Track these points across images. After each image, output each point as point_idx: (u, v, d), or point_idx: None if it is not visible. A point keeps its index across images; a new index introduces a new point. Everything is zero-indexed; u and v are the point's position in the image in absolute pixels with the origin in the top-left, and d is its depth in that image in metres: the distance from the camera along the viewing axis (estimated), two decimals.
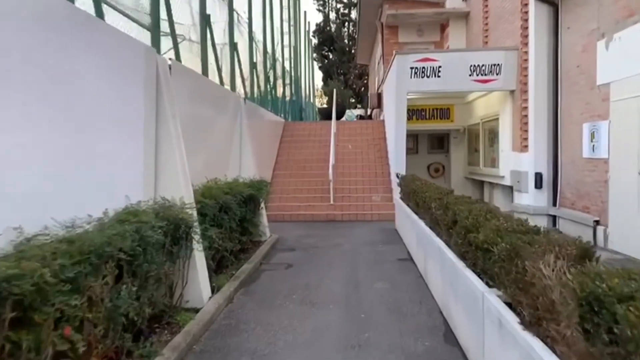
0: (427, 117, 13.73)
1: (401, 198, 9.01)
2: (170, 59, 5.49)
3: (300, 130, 13.97)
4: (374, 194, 11.01)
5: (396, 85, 10.27)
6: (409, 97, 10.50)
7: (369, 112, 19.14)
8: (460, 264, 3.74)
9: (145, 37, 5.08)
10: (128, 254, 3.09)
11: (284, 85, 15.82)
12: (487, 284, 3.19)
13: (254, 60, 10.86)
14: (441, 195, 5.39)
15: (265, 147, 11.41)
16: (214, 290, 4.89)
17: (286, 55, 17.16)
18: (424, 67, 10.01)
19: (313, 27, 33.83)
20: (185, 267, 4.33)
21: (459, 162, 14.11)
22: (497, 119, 10.80)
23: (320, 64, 34.98)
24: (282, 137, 13.39)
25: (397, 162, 10.63)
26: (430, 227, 5.52)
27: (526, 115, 9.42)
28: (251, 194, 6.49)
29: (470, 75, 9.96)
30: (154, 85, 4.50)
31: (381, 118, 15.05)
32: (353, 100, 34.05)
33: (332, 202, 10.71)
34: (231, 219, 5.78)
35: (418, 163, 14.06)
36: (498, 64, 9.87)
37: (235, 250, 6.13)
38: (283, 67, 15.70)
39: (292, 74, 18.43)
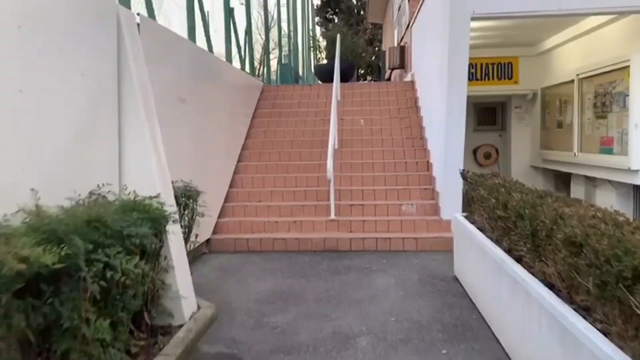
0: (478, 76, 9.18)
1: (467, 217, 4.55)
2: None
3: (287, 97, 9.35)
4: (405, 202, 6.51)
5: (450, 4, 5.60)
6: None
7: (386, 75, 14.31)
8: None
9: None
10: None
11: (267, 36, 11.17)
12: None
13: None
14: None
15: (220, 123, 6.86)
16: None
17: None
18: None
19: None
20: None
21: (524, 144, 9.53)
22: (623, 69, 6.16)
23: (323, 29, 29.93)
24: (257, 107, 8.80)
25: (449, 147, 6.02)
26: None
27: None
28: (60, 267, 1.99)
29: None
30: None
31: (407, 79, 10.39)
32: (362, 72, 29.21)
33: (333, 215, 6.23)
34: None
35: None
36: None
37: None
38: (265, 10, 11.04)
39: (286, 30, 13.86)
